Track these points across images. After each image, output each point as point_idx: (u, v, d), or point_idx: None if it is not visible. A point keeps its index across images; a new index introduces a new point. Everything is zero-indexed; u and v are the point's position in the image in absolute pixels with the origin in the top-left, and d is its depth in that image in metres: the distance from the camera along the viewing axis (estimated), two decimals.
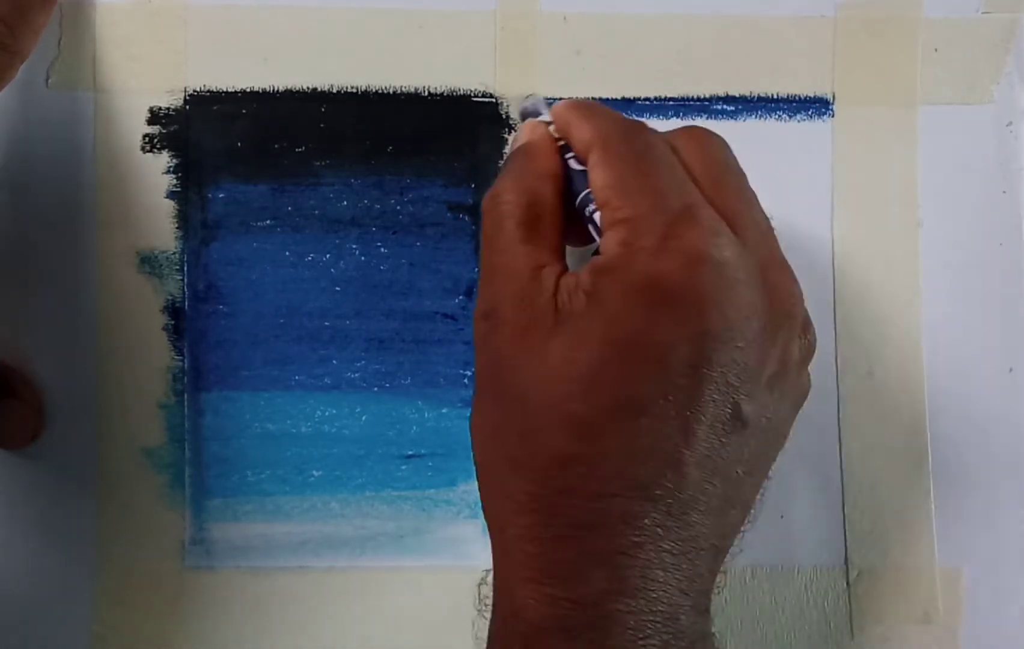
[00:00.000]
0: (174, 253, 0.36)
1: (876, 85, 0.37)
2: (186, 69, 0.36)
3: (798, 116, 0.37)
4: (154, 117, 0.36)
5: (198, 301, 0.36)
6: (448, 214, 0.36)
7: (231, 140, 0.36)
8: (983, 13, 0.37)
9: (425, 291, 0.36)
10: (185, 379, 0.36)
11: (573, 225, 0.30)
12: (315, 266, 0.36)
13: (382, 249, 0.36)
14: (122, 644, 0.36)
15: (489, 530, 0.29)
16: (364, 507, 0.36)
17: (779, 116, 0.37)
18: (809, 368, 0.31)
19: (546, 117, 0.31)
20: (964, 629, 0.37)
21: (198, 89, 0.36)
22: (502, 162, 0.31)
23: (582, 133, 0.29)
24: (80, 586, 0.35)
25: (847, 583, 0.37)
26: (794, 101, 0.37)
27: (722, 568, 0.29)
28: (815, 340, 0.30)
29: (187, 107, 0.36)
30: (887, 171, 0.37)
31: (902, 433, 0.37)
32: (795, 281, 0.29)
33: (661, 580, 0.26)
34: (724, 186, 0.29)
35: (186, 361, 0.36)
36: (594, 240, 0.29)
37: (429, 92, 0.36)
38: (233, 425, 0.36)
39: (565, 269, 0.29)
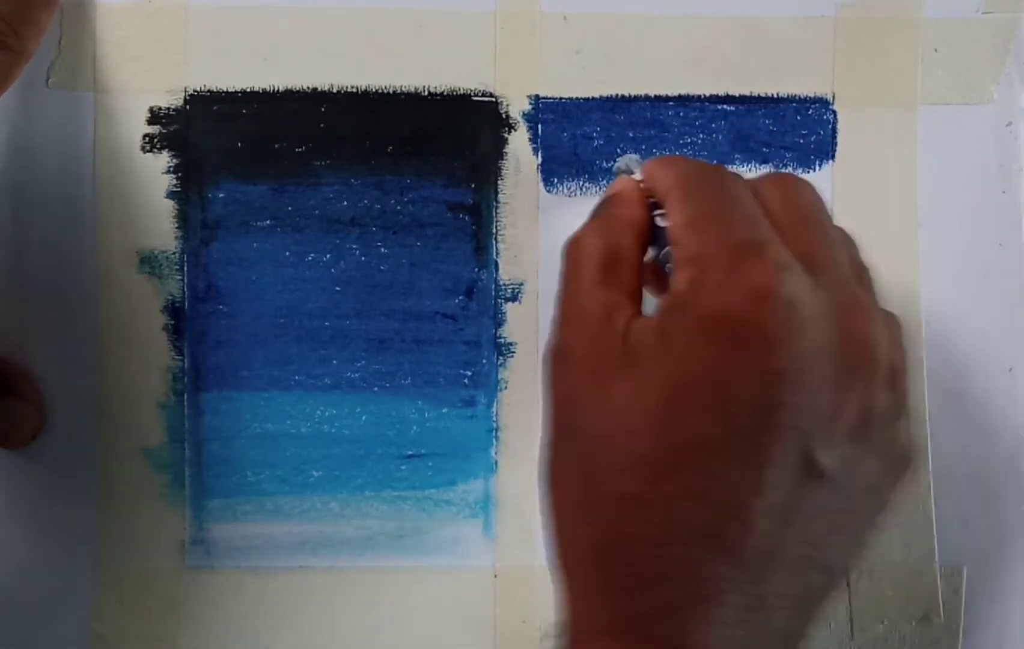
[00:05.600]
0: (174, 253, 0.36)
1: (876, 85, 0.37)
2: (186, 69, 0.36)
3: (798, 116, 0.37)
4: (154, 117, 0.36)
5: (198, 301, 0.36)
6: (448, 214, 0.36)
7: (231, 140, 0.36)
8: (983, 13, 0.37)
9: (425, 291, 0.36)
10: (185, 379, 0.36)
11: (659, 281, 0.30)
12: (315, 266, 0.36)
13: (382, 249, 0.36)
14: (122, 644, 0.36)
15: (558, 577, 0.28)
16: (364, 507, 0.36)
17: (779, 116, 0.37)
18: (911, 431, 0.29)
19: (638, 176, 0.31)
20: (964, 629, 0.37)
21: (198, 89, 0.36)
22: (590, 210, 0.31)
23: (664, 179, 0.29)
24: (80, 586, 0.35)
25: (847, 583, 0.37)
26: (794, 101, 0.37)
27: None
28: (906, 397, 0.29)
29: (187, 107, 0.36)
30: (887, 171, 0.37)
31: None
32: (879, 326, 0.27)
33: (727, 636, 0.25)
34: (803, 226, 0.28)
35: (186, 361, 0.36)
36: None
37: (429, 92, 0.36)
38: (233, 425, 0.36)
39: (639, 313, 0.28)
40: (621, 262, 0.29)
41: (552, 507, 0.28)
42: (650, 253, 0.30)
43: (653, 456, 0.26)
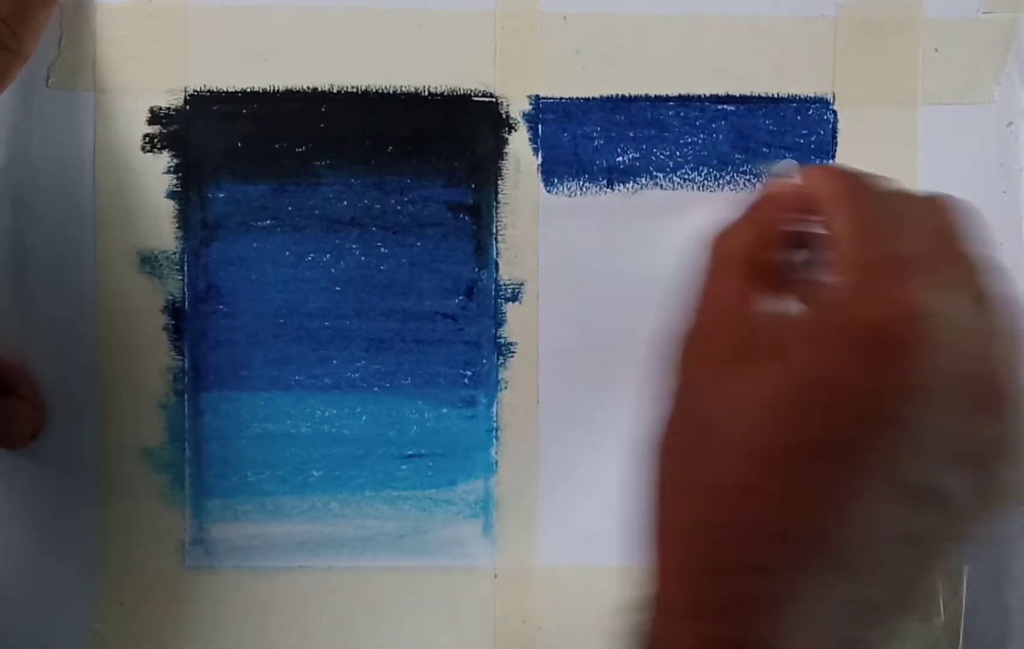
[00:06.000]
0: (174, 253, 0.36)
1: (877, 85, 0.37)
2: (186, 69, 0.36)
3: (798, 116, 0.37)
4: (154, 117, 0.36)
5: (198, 301, 0.36)
6: (448, 214, 0.36)
7: (231, 140, 0.36)
8: (984, 13, 0.37)
9: (425, 291, 0.36)
10: (185, 379, 0.36)
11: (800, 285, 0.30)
12: (315, 266, 0.36)
13: (382, 249, 0.36)
14: (122, 644, 0.36)
15: (651, 552, 0.28)
16: (364, 507, 0.36)
17: (780, 116, 0.37)
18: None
19: (796, 180, 0.31)
20: (964, 628, 0.37)
21: (198, 89, 0.36)
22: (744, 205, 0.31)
23: (829, 185, 0.29)
24: (80, 586, 0.35)
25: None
26: (794, 101, 0.37)
27: None
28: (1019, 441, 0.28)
29: (187, 107, 0.36)
30: (887, 171, 0.37)
31: None
32: (1012, 360, 0.28)
33: (801, 636, 0.26)
34: (956, 252, 0.28)
35: (186, 361, 0.36)
36: None
37: (429, 92, 0.36)
38: (233, 425, 0.36)
39: (782, 310, 0.29)
40: (768, 259, 0.29)
41: (659, 482, 0.29)
42: (800, 256, 0.30)
43: (769, 448, 0.26)
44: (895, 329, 0.26)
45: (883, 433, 0.26)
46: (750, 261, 0.29)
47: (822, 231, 0.30)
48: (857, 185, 0.29)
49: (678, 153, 0.37)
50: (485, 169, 0.36)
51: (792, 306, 0.29)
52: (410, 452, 0.36)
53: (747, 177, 0.37)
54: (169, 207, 0.36)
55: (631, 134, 0.36)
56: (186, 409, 0.36)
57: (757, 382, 0.27)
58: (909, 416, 0.26)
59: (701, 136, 0.37)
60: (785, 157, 0.37)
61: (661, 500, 0.28)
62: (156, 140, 0.36)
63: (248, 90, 0.36)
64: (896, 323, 0.26)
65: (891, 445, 0.26)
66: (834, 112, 0.37)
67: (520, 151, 0.36)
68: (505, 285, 0.36)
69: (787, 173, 0.32)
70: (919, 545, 0.27)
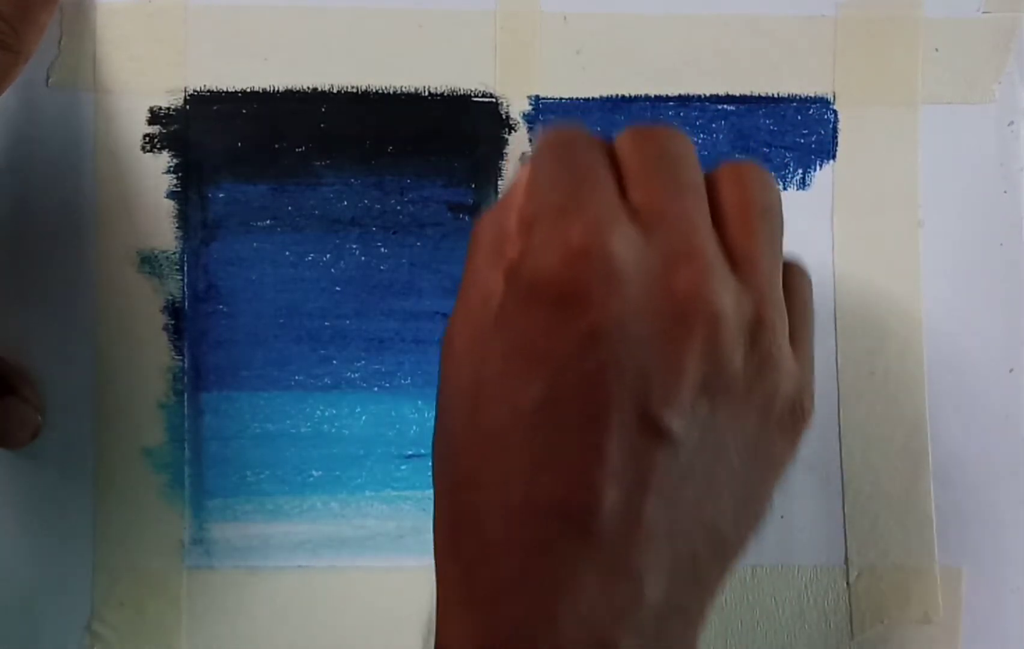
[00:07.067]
0: (174, 253, 0.36)
1: (877, 85, 0.37)
2: (186, 69, 0.36)
3: (799, 116, 0.37)
4: (154, 117, 0.36)
5: (198, 301, 0.36)
6: (448, 214, 0.36)
7: (231, 140, 0.36)
8: (984, 13, 0.37)
9: (425, 291, 0.36)
10: (185, 379, 0.36)
11: None
12: (315, 266, 0.36)
13: (382, 249, 0.36)
14: (122, 644, 0.36)
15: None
16: (364, 507, 0.36)
17: (780, 116, 0.37)
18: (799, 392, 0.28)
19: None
20: (964, 629, 0.37)
21: (198, 89, 0.36)
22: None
23: (533, 149, 0.28)
24: (79, 586, 0.35)
25: (847, 583, 0.37)
26: (795, 101, 0.37)
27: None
28: (786, 351, 0.27)
29: (187, 107, 0.36)
30: (888, 171, 0.37)
31: (902, 433, 0.37)
32: (716, 278, 0.25)
33: (587, 609, 0.24)
34: (647, 176, 0.26)
35: (186, 361, 0.36)
36: None
37: (429, 92, 0.36)
38: (233, 425, 0.36)
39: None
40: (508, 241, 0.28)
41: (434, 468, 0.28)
42: None
43: (491, 429, 0.25)
44: (564, 276, 0.25)
45: (590, 384, 0.24)
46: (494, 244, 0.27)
47: None
48: (544, 144, 0.27)
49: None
50: (485, 169, 0.36)
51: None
52: (410, 452, 0.36)
53: None
54: (169, 207, 0.36)
55: None
56: (186, 409, 0.36)
57: (466, 366, 0.26)
58: (604, 359, 0.24)
59: (701, 136, 0.37)
60: (785, 157, 0.37)
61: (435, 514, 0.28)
62: (156, 140, 0.36)
63: (248, 90, 0.36)
64: (563, 270, 0.25)
65: (603, 394, 0.24)
66: (834, 112, 0.37)
67: (520, 151, 0.36)
68: None
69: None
70: (717, 488, 0.26)
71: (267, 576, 0.36)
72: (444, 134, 0.36)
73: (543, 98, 0.36)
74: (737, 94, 0.37)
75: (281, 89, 0.36)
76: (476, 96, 0.36)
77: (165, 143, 0.36)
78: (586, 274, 0.25)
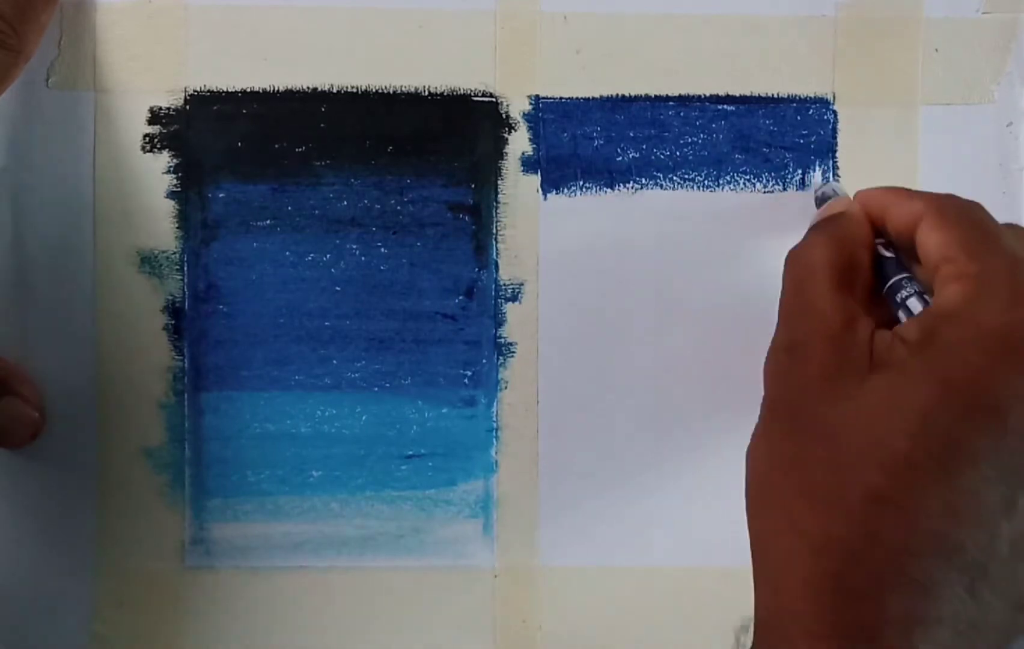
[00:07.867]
0: (174, 253, 0.36)
1: (876, 85, 0.37)
2: (186, 69, 0.36)
3: (798, 116, 0.37)
4: (154, 117, 0.36)
5: (198, 301, 0.36)
6: (448, 214, 0.36)
7: (231, 140, 0.36)
8: (983, 13, 0.37)
9: (425, 291, 0.36)
10: (185, 379, 0.36)
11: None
12: (315, 266, 0.36)
13: (382, 249, 0.36)
14: (122, 644, 0.36)
15: (759, 567, 0.28)
16: (364, 507, 0.36)
17: (779, 116, 0.37)
18: None
19: (849, 198, 0.33)
20: None
21: (198, 89, 0.36)
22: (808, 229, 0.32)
23: (910, 207, 0.30)
24: (80, 586, 0.35)
25: None
26: (794, 101, 0.37)
27: None
28: None
29: (187, 107, 0.36)
30: (887, 171, 0.37)
31: None
32: None
33: None
34: None
35: (186, 361, 0.36)
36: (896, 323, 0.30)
37: (429, 92, 0.36)
38: (233, 425, 0.36)
39: (877, 326, 0.29)
40: (857, 278, 0.30)
41: (770, 495, 0.28)
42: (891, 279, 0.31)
43: (912, 455, 0.26)
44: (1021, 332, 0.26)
45: (1010, 437, 0.25)
46: (839, 276, 0.29)
47: (886, 252, 0.31)
48: (945, 202, 0.29)
49: (678, 153, 0.37)
50: (485, 169, 0.36)
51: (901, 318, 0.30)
52: (410, 452, 0.36)
53: (747, 177, 0.37)
54: (169, 207, 0.36)
55: (631, 134, 0.36)
56: (186, 409, 0.36)
57: (873, 393, 0.27)
58: None
59: (701, 136, 0.37)
60: (785, 157, 0.37)
61: (772, 513, 0.28)
62: (156, 140, 0.36)
63: (248, 90, 0.36)
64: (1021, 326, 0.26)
65: (1017, 449, 0.25)
66: (834, 112, 0.37)
67: (520, 151, 0.36)
68: (505, 285, 0.36)
69: (836, 192, 0.33)
70: None
71: (267, 576, 0.36)
72: (444, 134, 0.36)
73: (543, 98, 0.36)
74: (737, 94, 0.37)
75: (281, 89, 0.36)
76: (476, 96, 0.36)
77: (165, 143, 0.36)
78: None
